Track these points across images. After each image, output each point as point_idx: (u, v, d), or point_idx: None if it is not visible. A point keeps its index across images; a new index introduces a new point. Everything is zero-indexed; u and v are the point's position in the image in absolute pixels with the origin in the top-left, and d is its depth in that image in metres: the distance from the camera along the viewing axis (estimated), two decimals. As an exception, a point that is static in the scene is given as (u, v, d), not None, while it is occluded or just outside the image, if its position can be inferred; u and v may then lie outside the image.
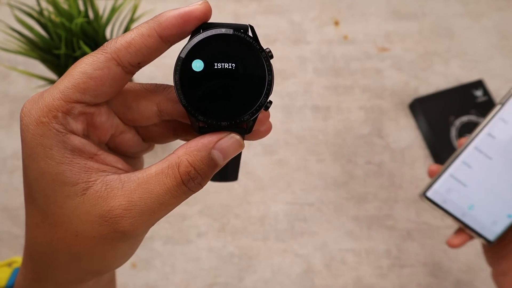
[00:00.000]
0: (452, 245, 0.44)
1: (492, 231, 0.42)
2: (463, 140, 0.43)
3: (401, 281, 0.54)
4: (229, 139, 0.21)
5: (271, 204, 0.57)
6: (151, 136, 0.25)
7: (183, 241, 0.55)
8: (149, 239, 0.54)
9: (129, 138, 0.24)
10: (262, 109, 0.21)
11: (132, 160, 0.26)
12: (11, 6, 0.47)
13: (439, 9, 0.68)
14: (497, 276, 0.43)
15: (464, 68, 0.64)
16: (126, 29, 0.50)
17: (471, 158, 0.41)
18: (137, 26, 0.21)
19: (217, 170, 0.21)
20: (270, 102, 0.21)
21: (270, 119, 0.24)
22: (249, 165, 0.59)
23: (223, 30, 0.20)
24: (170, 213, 0.61)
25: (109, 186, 0.20)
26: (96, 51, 0.21)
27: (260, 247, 0.55)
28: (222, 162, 0.21)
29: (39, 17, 0.46)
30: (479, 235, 0.43)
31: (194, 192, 0.21)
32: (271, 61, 0.21)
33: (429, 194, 0.43)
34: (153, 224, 0.21)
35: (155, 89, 0.23)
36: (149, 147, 0.26)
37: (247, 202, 0.57)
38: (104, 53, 0.20)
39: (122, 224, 0.20)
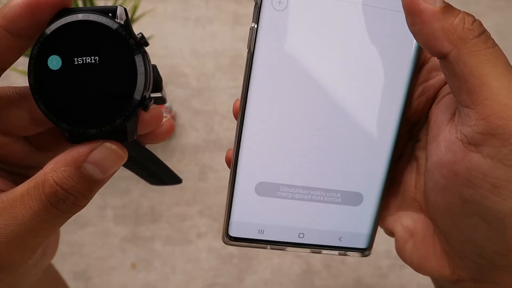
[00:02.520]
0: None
1: (358, 235, 0.25)
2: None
3: (401, 281, 0.54)
4: (103, 149, 0.18)
5: (271, 205, 0.57)
6: (45, 145, 0.21)
7: (183, 241, 0.55)
8: (149, 239, 0.54)
9: (17, 150, 0.21)
10: (141, 109, 0.18)
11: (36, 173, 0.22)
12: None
13: (439, 10, 0.68)
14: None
15: (464, 69, 0.64)
16: (126, 30, 0.50)
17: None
18: None
19: (100, 185, 0.18)
20: (151, 100, 0.18)
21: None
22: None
23: (79, 16, 0.17)
24: (170, 213, 0.61)
25: None
26: None
27: (260, 247, 0.55)
28: (103, 176, 0.18)
29: (39, 17, 0.46)
30: (345, 249, 0.25)
31: (71, 213, 0.18)
32: (148, 48, 0.18)
33: (234, 231, 0.24)
34: (34, 251, 0.18)
35: (27, 93, 0.19)
36: (52, 157, 0.22)
37: (247, 203, 0.57)
38: None
39: None
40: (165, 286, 0.53)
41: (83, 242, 0.54)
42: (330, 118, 0.23)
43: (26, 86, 0.19)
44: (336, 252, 0.25)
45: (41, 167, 0.20)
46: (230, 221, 0.24)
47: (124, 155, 0.18)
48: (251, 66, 0.22)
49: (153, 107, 0.19)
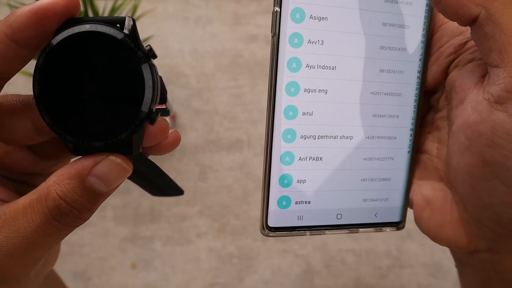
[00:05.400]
0: None
1: (392, 209, 0.25)
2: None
3: (401, 281, 0.54)
4: (108, 163, 0.17)
5: (271, 205, 0.57)
6: (48, 154, 0.21)
7: (183, 241, 0.55)
8: (149, 239, 0.54)
9: (20, 158, 0.20)
10: (147, 122, 0.17)
11: (40, 180, 0.21)
12: (10, 6, 0.47)
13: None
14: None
15: (464, 69, 0.64)
16: (126, 30, 0.50)
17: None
18: None
19: (104, 198, 0.18)
20: (157, 113, 0.17)
21: None
22: (249, 165, 0.58)
23: (87, 27, 0.16)
24: (170, 213, 0.61)
25: None
26: None
27: (259, 247, 0.55)
28: (107, 189, 0.17)
29: (39, 17, 0.46)
30: (381, 225, 0.26)
31: (74, 227, 0.18)
32: (156, 61, 0.17)
33: (273, 220, 0.24)
34: (35, 263, 0.18)
35: (30, 103, 0.19)
36: (56, 164, 0.22)
37: (246, 203, 0.57)
38: None
39: None
40: (165, 286, 0.53)
41: (83, 242, 0.54)
42: (356, 95, 0.23)
43: (29, 95, 0.19)
44: (373, 229, 0.25)
45: (44, 175, 0.20)
46: (268, 211, 0.23)
47: (129, 168, 0.18)
48: (277, 50, 0.22)
49: (159, 119, 0.18)
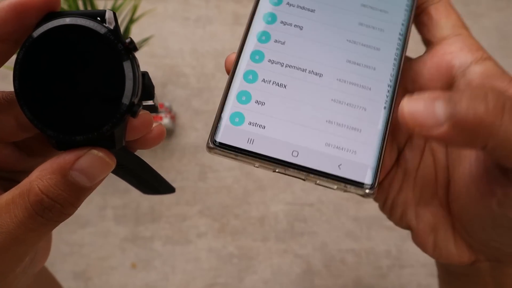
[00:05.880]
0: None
1: (360, 166, 0.22)
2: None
3: (401, 281, 0.54)
4: (90, 157, 0.17)
5: (270, 205, 0.57)
6: (34, 151, 0.21)
7: (183, 241, 0.55)
8: (149, 239, 0.54)
9: (6, 155, 0.20)
10: (129, 116, 0.17)
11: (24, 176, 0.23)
12: None
13: (439, 10, 0.68)
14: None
15: (464, 69, 0.64)
16: (126, 30, 0.50)
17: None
18: None
19: (88, 193, 0.18)
20: (139, 105, 0.17)
21: None
22: (249, 165, 0.59)
23: (67, 20, 0.16)
24: (170, 213, 0.61)
25: None
26: None
27: (260, 247, 0.55)
28: (90, 184, 0.17)
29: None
30: (345, 181, 0.21)
31: (58, 222, 0.17)
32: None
33: (221, 135, 0.22)
34: (20, 259, 0.18)
35: (13, 99, 0.19)
36: (43, 161, 0.22)
37: (246, 203, 0.57)
38: None
39: None
40: (165, 286, 0.53)
41: (83, 242, 0.54)
42: (331, 38, 0.24)
43: (12, 91, 0.19)
44: (335, 185, 0.21)
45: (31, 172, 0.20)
46: (219, 124, 0.22)
47: (111, 162, 0.18)
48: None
49: (142, 113, 0.18)
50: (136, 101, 0.17)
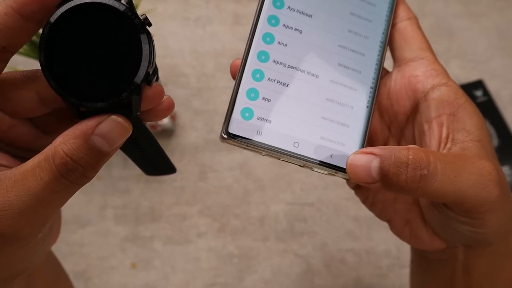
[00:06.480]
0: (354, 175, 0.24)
1: (347, 156, 0.25)
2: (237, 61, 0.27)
3: (401, 281, 0.54)
4: (110, 122, 0.19)
5: (271, 204, 0.57)
6: (50, 128, 0.23)
7: (183, 241, 0.55)
8: (149, 239, 0.54)
9: (24, 132, 0.22)
10: (145, 84, 0.19)
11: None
12: (11, 6, 0.47)
13: (439, 9, 0.68)
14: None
15: (464, 68, 0.64)
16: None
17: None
18: None
19: (107, 158, 0.19)
20: (154, 75, 0.19)
21: None
22: (249, 165, 0.58)
23: None
24: (170, 213, 0.61)
25: None
26: None
27: (260, 247, 0.55)
28: (109, 149, 0.19)
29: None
30: (335, 168, 0.26)
31: (79, 185, 0.19)
32: (151, 29, 0.19)
33: (233, 128, 0.25)
34: (43, 223, 0.19)
35: (34, 75, 0.21)
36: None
37: (247, 202, 0.57)
38: None
39: (0, 227, 0.18)
40: (165, 286, 0.53)
41: (83, 241, 0.54)
42: (326, 42, 0.28)
43: (32, 70, 0.21)
44: (326, 172, 0.26)
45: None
46: (231, 118, 0.25)
47: (129, 127, 0.19)
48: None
49: (155, 84, 0.20)
50: (151, 71, 0.19)
